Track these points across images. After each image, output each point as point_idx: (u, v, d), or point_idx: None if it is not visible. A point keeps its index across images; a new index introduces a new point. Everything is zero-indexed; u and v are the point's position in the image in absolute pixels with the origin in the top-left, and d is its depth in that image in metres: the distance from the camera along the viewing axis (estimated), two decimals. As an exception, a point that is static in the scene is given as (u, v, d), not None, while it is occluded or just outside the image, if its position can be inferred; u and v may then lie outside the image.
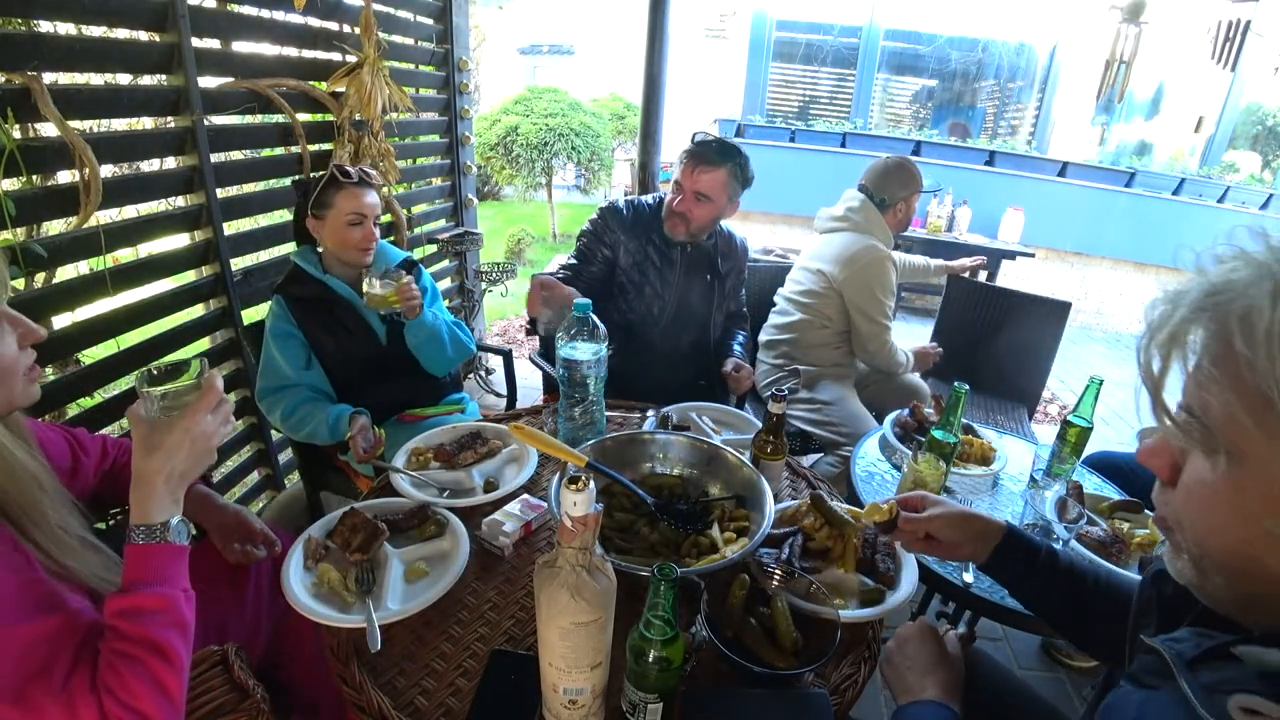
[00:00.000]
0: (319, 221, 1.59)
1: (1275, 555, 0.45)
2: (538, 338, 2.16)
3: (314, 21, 2.08)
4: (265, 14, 1.92)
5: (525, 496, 1.19)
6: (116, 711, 0.68)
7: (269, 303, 1.63)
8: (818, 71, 6.07)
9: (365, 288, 1.55)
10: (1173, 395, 0.50)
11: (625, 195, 1.95)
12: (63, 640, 0.71)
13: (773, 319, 2.28)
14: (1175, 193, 5.08)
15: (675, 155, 1.80)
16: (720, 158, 1.69)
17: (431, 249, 2.85)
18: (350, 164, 2.10)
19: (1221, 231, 0.47)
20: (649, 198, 1.90)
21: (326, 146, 2.15)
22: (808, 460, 2.02)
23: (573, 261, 1.85)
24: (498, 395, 3.25)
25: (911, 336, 2.31)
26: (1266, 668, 0.46)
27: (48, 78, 1.37)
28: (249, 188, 2.44)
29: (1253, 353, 0.42)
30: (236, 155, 2.33)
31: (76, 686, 0.68)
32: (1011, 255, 4.65)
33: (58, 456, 1.00)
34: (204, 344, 1.88)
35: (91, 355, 1.81)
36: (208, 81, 1.71)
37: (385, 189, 2.39)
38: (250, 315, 1.93)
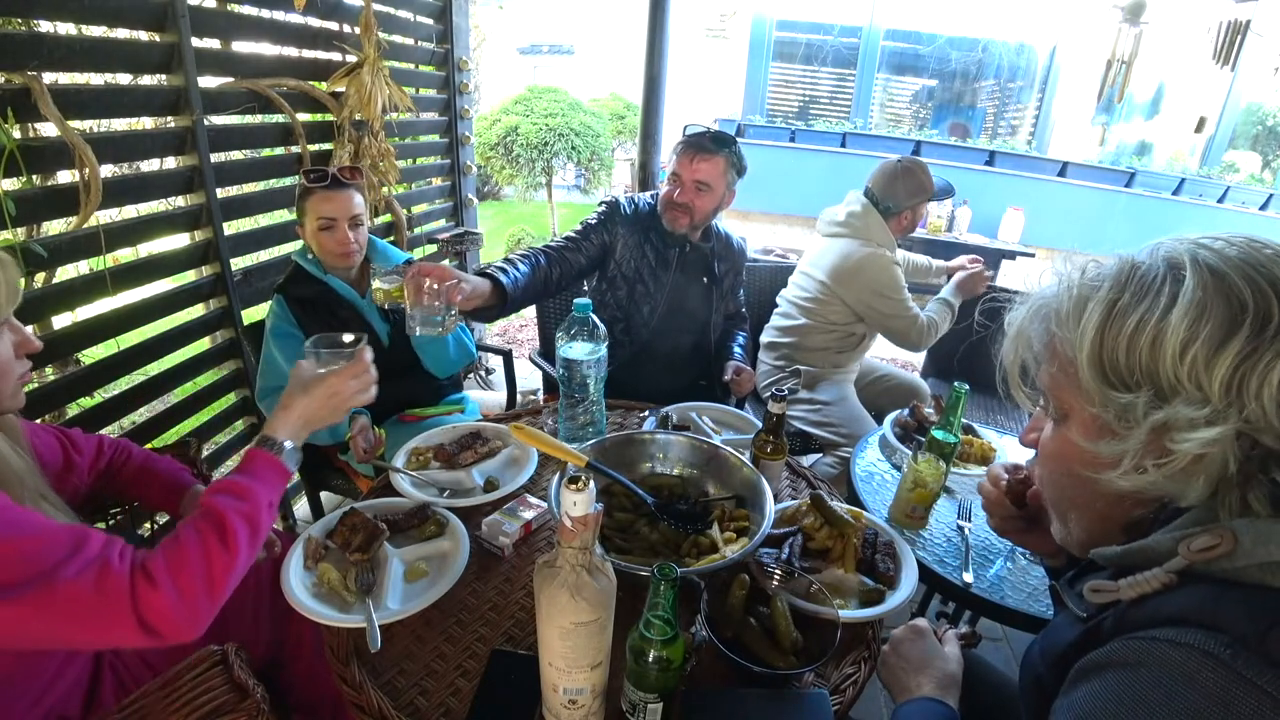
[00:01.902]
0: (302, 229, 1.60)
1: (1087, 468, 0.61)
2: (538, 338, 2.16)
3: (314, 21, 2.08)
4: (265, 14, 1.92)
5: (525, 496, 1.19)
6: (161, 572, 0.71)
7: (269, 303, 1.63)
8: (818, 71, 6.07)
9: (373, 284, 1.52)
10: (1027, 384, 0.69)
11: (625, 193, 1.94)
12: (90, 533, 0.73)
13: (775, 320, 2.28)
14: (1175, 193, 5.08)
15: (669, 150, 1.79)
16: (716, 146, 1.70)
17: (431, 249, 2.85)
18: (351, 163, 2.10)
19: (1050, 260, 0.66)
20: (648, 195, 1.89)
21: (326, 146, 2.15)
22: (807, 460, 2.03)
23: (572, 234, 1.81)
24: (496, 395, 3.25)
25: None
26: (1110, 561, 0.61)
27: (48, 78, 1.37)
28: (249, 188, 2.44)
29: (1060, 330, 0.60)
30: (236, 155, 2.33)
31: (110, 551, 0.71)
32: (1011, 255, 4.65)
33: (49, 456, 1.00)
34: (204, 344, 1.88)
35: (91, 355, 1.81)
36: (208, 81, 1.71)
37: (385, 189, 2.39)
38: (250, 315, 1.93)
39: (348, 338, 1.00)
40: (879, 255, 2.04)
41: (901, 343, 2.11)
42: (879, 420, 1.93)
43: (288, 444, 0.89)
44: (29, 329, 0.90)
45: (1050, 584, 0.74)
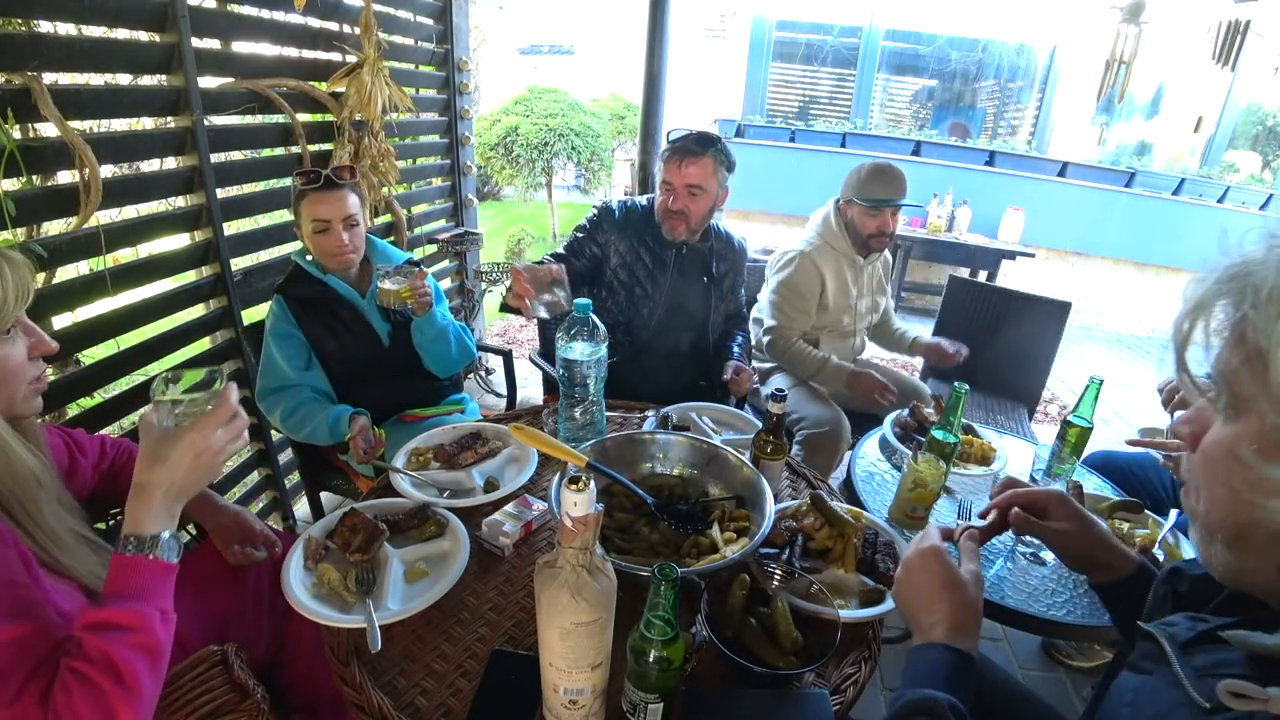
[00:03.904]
0: (299, 230, 1.59)
1: (1255, 491, 0.49)
2: (538, 338, 2.16)
3: (314, 21, 2.08)
4: (265, 14, 1.92)
5: (525, 496, 1.19)
6: None
7: (269, 303, 1.63)
8: (818, 71, 6.06)
9: (378, 284, 1.54)
10: (1196, 367, 0.56)
11: (625, 193, 1.96)
12: (27, 649, 0.69)
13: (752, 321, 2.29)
14: (1175, 193, 5.07)
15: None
16: (702, 147, 1.70)
17: (432, 249, 2.85)
18: (351, 163, 2.10)
19: (1258, 225, 0.53)
20: (642, 199, 1.90)
21: (326, 147, 2.15)
22: None
23: (560, 252, 1.84)
24: (498, 395, 3.25)
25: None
26: (1253, 650, 0.49)
27: (48, 78, 1.37)
28: (249, 188, 2.44)
29: (1257, 314, 0.48)
30: (236, 155, 2.33)
31: (28, 699, 0.66)
32: (1011, 255, 4.65)
33: (55, 457, 1.00)
34: (204, 344, 1.88)
35: (91, 355, 1.81)
36: (208, 81, 1.71)
37: (385, 189, 2.39)
38: (250, 315, 1.93)
39: (205, 375, 0.80)
40: (796, 251, 2.07)
41: (760, 340, 2.12)
42: (859, 419, 1.94)
43: (164, 534, 0.74)
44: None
45: (1140, 625, 0.62)
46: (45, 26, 1.60)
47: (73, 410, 1.65)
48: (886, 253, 2.23)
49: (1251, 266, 0.49)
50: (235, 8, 1.92)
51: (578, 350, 1.24)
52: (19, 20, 1.56)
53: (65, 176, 1.48)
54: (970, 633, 0.72)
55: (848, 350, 2.20)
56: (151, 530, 0.74)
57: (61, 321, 1.60)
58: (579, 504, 0.65)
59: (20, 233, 1.48)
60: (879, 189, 1.97)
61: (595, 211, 1.88)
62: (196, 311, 1.84)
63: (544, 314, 1.40)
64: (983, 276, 4.74)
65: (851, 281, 2.11)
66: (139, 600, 0.72)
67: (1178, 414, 0.60)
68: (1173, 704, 0.52)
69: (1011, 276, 5.04)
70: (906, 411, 1.68)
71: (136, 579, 0.72)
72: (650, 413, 1.48)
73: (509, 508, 1.14)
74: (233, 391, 0.80)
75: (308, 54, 2.09)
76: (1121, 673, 0.63)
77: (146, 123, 2.06)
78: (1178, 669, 0.53)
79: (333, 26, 2.14)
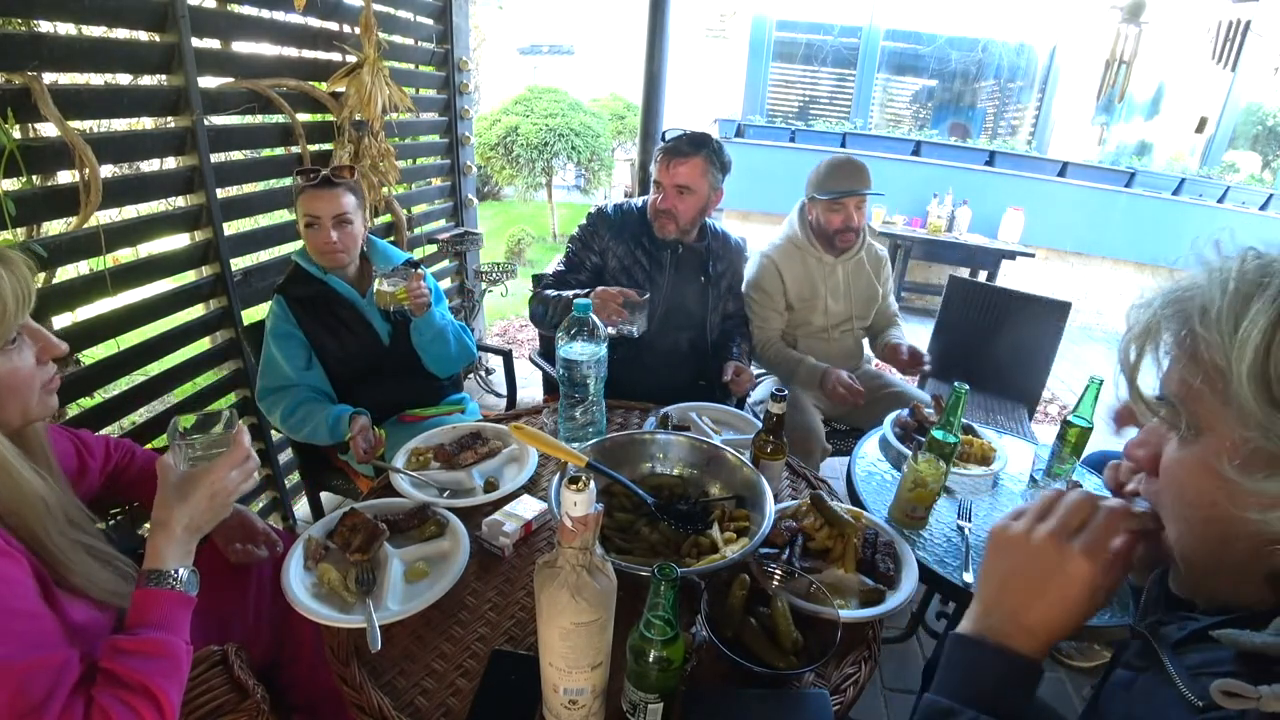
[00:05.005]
0: (300, 230, 1.61)
1: (1236, 505, 0.49)
2: (538, 338, 2.17)
3: (314, 21, 2.08)
4: (265, 14, 1.92)
5: (525, 496, 1.19)
6: None
7: (269, 303, 1.63)
8: (818, 71, 6.06)
9: (375, 285, 1.55)
10: (1147, 389, 0.58)
11: (625, 194, 1.97)
12: (67, 673, 0.70)
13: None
14: (1175, 193, 5.07)
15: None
16: (693, 148, 1.71)
17: (432, 249, 2.85)
18: (351, 163, 2.10)
19: (1189, 243, 0.55)
20: (637, 201, 1.91)
21: (326, 146, 2.15)
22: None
23: (560, 268, 1.86)
24: (498, 395, 3.25)
25: (912, 337, 2.29)
26: (1242, 648, 0.50)
27: (48, 78, 1.37)
28: (249, 188, 2.44)
29: (1208, 332, 0.49)
30: (236, 155, 2.33)
31: None
32: (1011, 255, 4.65)
33: (64, 461, 0.99)
34: (204, 344, 1.88)
35: (91, 355, 1.81)
36: (208, 81, 1.71)
37: (385, 189, 2.39)
38: (250, 315, 1.93)
39: (219, 418, 0.86)
40: (760, 253, 2.09)
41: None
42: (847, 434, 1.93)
43: (183, 572, 0.80)
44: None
45: (1133, 625, 0.61)
46: (45, 26, 1.60)
47: (73, 410, 1.65)
48: (882, 251, 2.20)
49: (1190, 291, 0.52)
50: (235, 8, 1.92)
51: (578, 350, 1.24)
52: (19, 20, 1.56)
53: (65, 176, 1.48)
54: (1051, 640, 0.59)
55: (832, 352, 2.12)
56: (173, 565, 0.79)
57: (61, 321, 1.60)
58: (579, 504, 0.65)
59: (20, 233, 1.48)
60: (838, 181, 1.96)
61: (589, 219, 1.88)
62: (196, 311, 1.84)
63: (636, 333, 1.62)
64: (983, 276, 4.74)
65: (820, 280, 2.07)
66: (165, 630, 0.76)
67: (1129, 439, 0.61)
68: (1166, 702, 0.53)
69: (1011, 276, 5.04)
70: (906, 411, 1.68)
71: (161, 611, 0.77)
72: (650, 413, 1.48)
73: (509, 507, 1.14)
74: (245, 434, 0.86)
75: (308, 54, 2.09)
76: (1115, 671, 0.62)
77: (146, 123, 2.07)
78: (1170, 668, 0.53)
79: (333, 26, 2.14)
